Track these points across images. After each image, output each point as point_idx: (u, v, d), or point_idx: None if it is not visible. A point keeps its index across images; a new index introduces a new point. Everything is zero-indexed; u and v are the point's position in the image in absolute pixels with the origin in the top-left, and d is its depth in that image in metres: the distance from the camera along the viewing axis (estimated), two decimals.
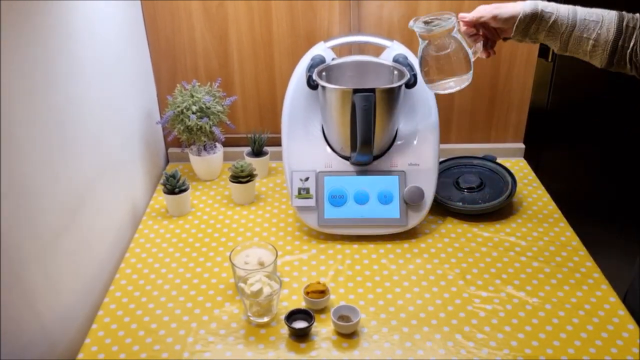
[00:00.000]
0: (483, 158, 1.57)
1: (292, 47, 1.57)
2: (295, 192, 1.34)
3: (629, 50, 1.03)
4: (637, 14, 1.04)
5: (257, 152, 1.60)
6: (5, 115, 0.87)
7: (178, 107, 1.49)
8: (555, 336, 1.07)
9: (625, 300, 1.20)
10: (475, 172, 1.52)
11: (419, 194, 1.32)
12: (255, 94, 1.65)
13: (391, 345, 1.06)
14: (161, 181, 1.45)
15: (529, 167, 1.66)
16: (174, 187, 1.42)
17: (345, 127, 1.30)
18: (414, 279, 1.22)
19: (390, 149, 1.37)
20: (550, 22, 1.07)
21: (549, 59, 1.75)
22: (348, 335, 1.08)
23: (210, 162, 1.59)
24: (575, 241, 1.33)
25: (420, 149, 1.37)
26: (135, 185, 1.47)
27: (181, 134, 1.51)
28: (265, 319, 1.11)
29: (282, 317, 1.10)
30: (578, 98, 1.84)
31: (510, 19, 1.09)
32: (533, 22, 1.08)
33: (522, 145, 1.72)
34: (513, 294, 1.17)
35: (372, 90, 1.24)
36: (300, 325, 1.08)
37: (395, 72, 1.36)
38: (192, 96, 1.50)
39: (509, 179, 1.48)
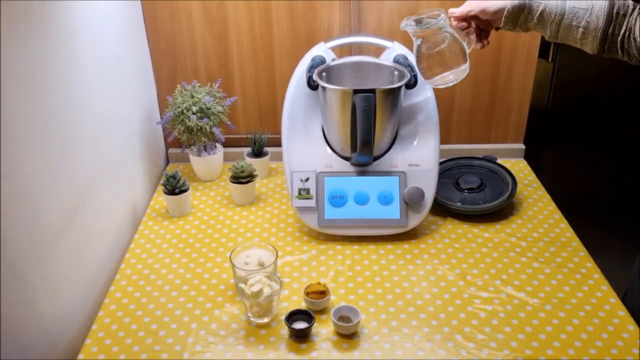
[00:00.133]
0: (483, 159, 1.57)
1: (293, 47, 1.57)
2: (296, 193, 1.34)
3: (619, 38, 1.03)
4: (629, 1, 1.03)
5: (258, 153, 1.59)
6: (5, 115, 0.87)
7: (178, 107, 1.49)
8: (555, 337, 1.07)
9: (625, 299, 1.20)
10: (476, 173, 1.52)
11: (419, 195, 1.32)
12: (256, 95, 1.65)
13: (391, 345, 1.06)
14: (161, 181, 1.45)
15: (529, 168, 1.66)
16: (174, 187, 1.42)
17: (345, 127, 1.30)
18: (414, 280, 1.22)
19: (390, 150, 1.37)
20: (539, 11, 1.08)
21: (549, 60, 1.76)
22: (348, 336, 1.08)
23: (210, 163, 1.59)
24: (576, 242, 1.33)
25: (420, 149, 1.37)
26: (136, 185, 1.47)
27: (181, 135, 1.51)
28: (266, 320, 1.11)
29: (282, 317, 1.09)
30: (578, 98, 1.84)
31: (499, 11, 1.11)
32: (521, 12, 1.09)
33: (523, 146, 1.72)
34: (513, 295, 1.17)
35: (373, 91, 1.24)
36: (300, 326, 1.08)
37: (396, 73, 1.36)
38: (193, 97, 1.50)
39: (509, 179, 1.48)
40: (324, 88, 1.30)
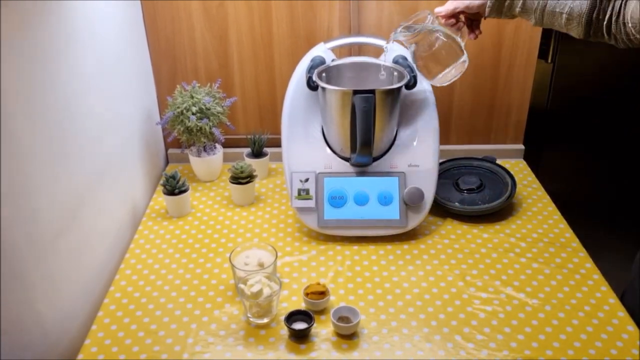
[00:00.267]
0: (483, 159, 1.57)
1: (292, 48, 1.57)
2: (295, 193, 1.34)
3: (605, 22, 1.03)
4: None
5: (257, 153, 1.59)
6: (5, 115, 0.87)
7: (178, 108, 1.49)
8: (555, 337, 1.07)
9: (623, 299, 1.20)
10: (475, 174, 1.52)
11: (418, 195, 1.32)
12: (255, 95, 1.65)
13: (391, 346, 1.06)
14: (161, 182, 1.45)
15: (528, 168, 1.66)
16: (173, 188, 1.42)
17: (345, 128, 1.30)
18: (414, 280, 1.22)
19: (390, 150, 1.37)
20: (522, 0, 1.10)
21: (549, 60, 1.76)
22: (348, 336, 1.08)
23: (210, 163, 1.59)
24: (575, 242, 1.33)
25: (420, 150, 1.37)
26: (135, 185, 1.47)
27: (181, 135, 1.51)
28: (265, 320, 1.11)
29: (282, 318, 1.09)
30: (578, 99, 1.84)
31: (483, 5, 1.15)
32: (505, 1, 1.12)
33: (522, 147, 1.72)
34: (513, 295, 1.17)
35: (372, 92, 1.24)
36: (300, 326, 1.08)
37: (395, 73, 1.36)
38: (192, 97, 1.50)
39: (509, 180, 1.48)
40: (323, 89, 1.30)
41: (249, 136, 1.59)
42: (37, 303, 0.99)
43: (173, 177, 1.42)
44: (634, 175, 1.91)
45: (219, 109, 1.53)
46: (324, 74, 1.36)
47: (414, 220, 1.34)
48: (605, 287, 1.19)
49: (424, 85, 1.38)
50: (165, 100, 1.56)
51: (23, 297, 0.94)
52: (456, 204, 1.43)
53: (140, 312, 1.14)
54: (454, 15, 1.18)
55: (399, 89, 1.30)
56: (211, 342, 1.07)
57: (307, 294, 1.13)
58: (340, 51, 1.52)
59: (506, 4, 1.12)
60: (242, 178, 1.47)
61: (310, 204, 1.33)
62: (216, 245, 1.35)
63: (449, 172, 1.54)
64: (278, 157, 1.50)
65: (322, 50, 1.41)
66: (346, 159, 1.36)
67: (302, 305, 1.14)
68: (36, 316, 0.98)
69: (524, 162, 1.70)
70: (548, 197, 1.52)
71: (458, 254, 1.30)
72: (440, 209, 1.43)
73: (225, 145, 1.63)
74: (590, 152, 1.92)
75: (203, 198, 1.53)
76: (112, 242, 1.30)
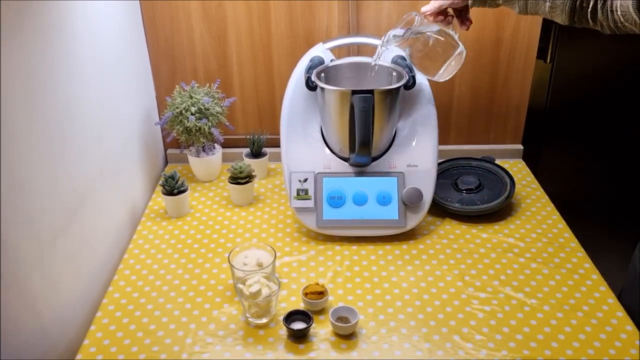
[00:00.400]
0: (482, 159, 1.57)
1: (291, 48, 1.58)
2: (294, 193, 1.34)
3: (589, 9, 1.02)
4: None
5: (256, 154, 1.60)
6: (5, 115, 0.87)
7: (177, 108, 1.49)
8: (553, 337, 1.07)
9: (621, 297, 1.21)
10: (474, 174, 1.52)
11: (417, 195, 1.32)
12: (254, 95, 1.65)
13: (390, 346, 1.06)
14: (160, 182, 1.45)
15: (527, 169, 1.67)
16: (172, 188, 1.42)
17: (344, 128, 1.30)
18: (413, 280, 1.22)
19: (388, 150, 1.38)
20: None
21: (548, 61, 1.76)
22: (346, 336, 1.08)
23: (209, 163, 1.59)
24: (574, 242, 1.33)
25: (418, 150, 1.37)
26: (134, 186, 1.47)
27: (180, 135, 1.51)
28: (264, 320, 1.11)
29: (281, 318, 1.10)
30: (576, 99, 1.84)
31: None
32: None
33: (521, 147, 1.72)
34: (511, 295, 1.17)
35: (371, 92, 1.24)
36: (298, 326, 1.08)
37: (394, 74, 1.36)
38: (191, 97, 1.50)
39: (508, 180, 1.48)
40: (322, 89, 1.30)
41: (248, 136, 1.59)
42: (37, 303, 0.99)
43: (172, 177, 1.42)
44: (633, 175, 1.91)
45: (218, 109, 1.53)
46: (322, 74, 1.36)
47: (413, 220, 1.34)
48: (604, 287, 1.19)
49: (422, 85, 1.38)
50: (164, 100, 1.56)
51: (22, 298, 0.94)
52: (455, 204, 1.43)
53: (139, 312, 1.14)
54: (441, 11, 1.19)
55: (397, 89, 1.30)
56: (210, 342, 1.07)
57: (305, 294, 1.13)
58: (339, 51, 1.52)
59: None
60: (241, 178, 1.47)
61: (309, 204, 1.33)
62: (215, 245, 1.35)
63: (448, 172, 1.55)
64: (277, 158, 1.50)
65: (321, 51, 1.41)
66: (345, 159, 1.36)
67: (301, 305, 1.14)
68: (35, 317, 0.98)
69: (523, 162, 1.70)
70: (547, 197, 1.52)
71: (457, 254, 1.30)
72: (439, 209, 1.43)
73: (224, 145, 1.63)
74: (589, 152, 1.92)
75: (202, 198, 1.53)
76: (112, 242, 1.30)
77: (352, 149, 1.32)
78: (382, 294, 1.19)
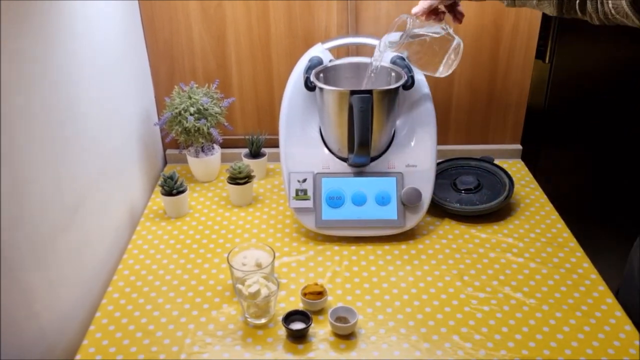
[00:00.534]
0: (480, 159, 1.58)
1: (290, 48, 1.58)
2: (293, 194, 1.34)
3: (577, 1, 1.02)
4: None
5: (255, 154, 1.60)
6: (5, 115, 0.87)
7: (176, 108, 1.49)
8: (552, 337, 1.07)
9: (618, 295, 1.21)
10: (473, 174, 1.52)
11: (416, 196, 1.32)
12: (253, 96, 1.65)
13: (389, 346, 1.06)
14: (159, 182, 1.44)
15: (526, 169, 1.67)
16: (171, 188, 1.42)
17: (342, 128, 1.30)
18: (412, 280, 1.22)
19: (387, 151, 1.38)
20: None
21: (546, 61, 1.76)
22: (345, 336, 1.08)
23: (208, 164, 1.59)
24: (573, 242, 1.33)
25: (417, 150, 1.37)
26: (133, 186, 1.47)
27: (179, 136, 1.51)
28: (263, 320, 1.11)
29: (280, 318, 1.10)
30: (575, 99, 1.84)
31: None
32: None
33: (520, 147, 1.72)
34: (510, 295, 1.17)
35: (370, 92, 1.24)
36: (297, 326, 1.08)
37: (393, 74, 1.36)
38: (190, 98, 1.50)
39: (507, 180, 1.49)
40: (321, 89, 1.30)
41: (246, 137, 1.59)
42: (36, 303, 0.99)
43: (171, 177, 1.42)
44: (632, 175, 1.91)
45: (216, 109, 1.53)
46: (321, 75, 1.36)
47: (412, 221, 1.34)
48: (602, 287, 1.19)
49: (421, 85, 1.38)
50: (163, 100, 1.56)
51: (22, 298, 0.94)
52: (454, 204, 1.43)
53: (138, 313, 1.14)
54: (432, 10, 1.19)
55: (396, 89, 1.30)
56: (209, 343, 1.07)
57: (304, 294, 1.13)
58: (338, 51, 1.52)
59: None
60: (240, 178, 1.47)
61: (308, 204, 1.33)
62: (214, 245, 1.35)
63: (447, 172, 1.55)
64: (276, 158, 1.50)
65: (320, 51, 1.41)
66: (344, 160, 1.36)
67: (300, 306, 1.14)
68: (34, 317, 0.98)
69: (522, 162, 1.70)
70: (545, 197, 1.52)
71: (456, 254, 1.30)
72: (438, 209, 1.43)
73: (223, 145, 1.63)
74: (588, 152, 1.92)
75: (201, 198, 1.53)
76: (111, 242, 1.30)
77: (351, 149, 1.32)
78: (381, 294, 1.19)
